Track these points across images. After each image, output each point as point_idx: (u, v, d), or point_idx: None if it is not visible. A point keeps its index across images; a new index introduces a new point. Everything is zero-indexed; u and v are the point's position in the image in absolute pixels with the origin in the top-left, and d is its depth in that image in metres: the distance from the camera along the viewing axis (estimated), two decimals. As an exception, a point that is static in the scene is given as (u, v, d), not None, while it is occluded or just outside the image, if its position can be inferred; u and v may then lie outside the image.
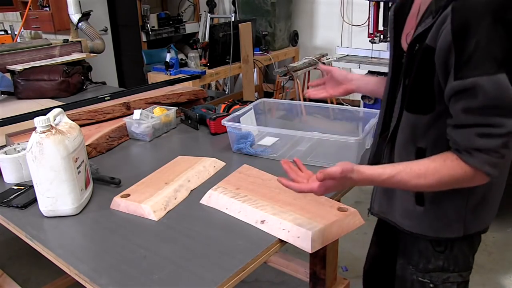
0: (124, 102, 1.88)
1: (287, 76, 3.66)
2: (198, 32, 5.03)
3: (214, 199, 1.21)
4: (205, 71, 3.51)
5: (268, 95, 4.59)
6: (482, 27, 0.79)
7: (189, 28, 5.03)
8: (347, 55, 3.61)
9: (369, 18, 3.17)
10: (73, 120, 1.27)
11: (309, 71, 4.25)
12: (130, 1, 4.53)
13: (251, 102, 1.79)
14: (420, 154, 0.98)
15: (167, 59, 3.42)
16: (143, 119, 1.73)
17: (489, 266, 2.22)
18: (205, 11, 5.01)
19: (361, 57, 3.44)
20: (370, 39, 3.17)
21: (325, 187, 0.92)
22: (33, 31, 3.48)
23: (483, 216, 1.03)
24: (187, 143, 1.74)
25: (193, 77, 3.07)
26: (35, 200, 1.21)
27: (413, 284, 1.11)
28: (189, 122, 1.87)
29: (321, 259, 1.71)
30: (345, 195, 1.31)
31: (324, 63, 3.85)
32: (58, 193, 1.16)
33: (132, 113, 1.77)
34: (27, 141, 1.14)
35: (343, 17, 4.56)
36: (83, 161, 1.23)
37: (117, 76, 4.83)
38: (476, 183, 0.89)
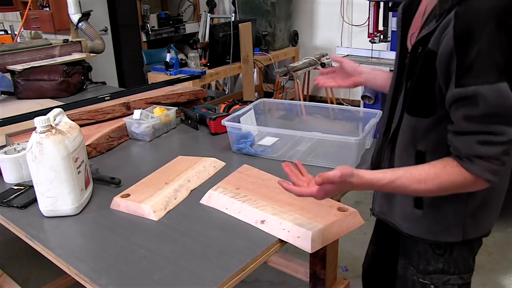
0: (124, 102, 1.88)
1: (287, 76, 3.66)
2: (198, 32, 5.03)
3: (214, 199, 1.21)
4: (205, 71, 3.51)
5: (268, 95, 4.59)
6: (485, 34, 0.78)
7: (189, 28, 5.03)
8: (347, 55, 3.61)
9: (369, 18, 3.16)
10: (73, 120, 1.27)
11: (309, 71, 4.25)
12: (130, 1, 4.53)
13: (251, 102, 1.79)
14: (420, 157, 0.98)
15: (167, 59, 3.42)
16: (143, 119, 1.73)
17: (489, 266, 2.22)
18: (205, 11, 5.01)
19: (361, 57, 3.44)
20: (370, 39, 3.16)
21: (325, 191, 0.91)
22: (33, 31, 3.48)
23: (483, 222, 1.03)
24: (187, 143, 1.74)
25: (193, 77, 3.07)
26: (35, 200, 1.21)
27: (414, 285, 1.11)
28: (189, 122, 1.87)
29: (321, 259, 1.71)
30: (345, 195, 1.31)
31: (324, 63, 3.86)
32: (58, 193, 1.16)
33: (132, 113, 1.77)
34: (27, 141, 1.14)
35: (343, 17, 4.56)
36: (83, 161, 1.23)
37: (117, 76, 4.83)
38: (475, 189, 0.89)
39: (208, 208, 1.21)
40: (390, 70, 1.07)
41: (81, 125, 1.41)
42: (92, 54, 2.96)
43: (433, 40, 0.86)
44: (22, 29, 3.39)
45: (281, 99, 3.74)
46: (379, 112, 1.51)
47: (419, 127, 0.96)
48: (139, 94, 2.05)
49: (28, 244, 1.14)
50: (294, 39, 4.82)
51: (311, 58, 3.99)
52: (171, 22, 4.81)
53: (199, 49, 3.86)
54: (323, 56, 4.16)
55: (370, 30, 3.17)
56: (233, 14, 4.71)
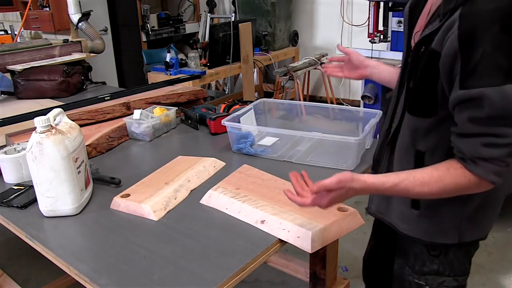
0: (124, 102, 1.88)
1: (287, 76, 3.66)
2: (198, 32, 5.03)
3: (214, 199, 1.21)
4: (205, 71, 3.51)
5: (268, 95, 4.59)
6: (490, 36, 0.78)
7: (189, 28, 5.03)
8: (347, 55, 3.61)
9: (369, 18, 3.16)
10: (73, 120, 1.27)
11: (309, 71, 4.25)
12: (130, 1, 4.53)
13: (251, 102, 1.79)
14: (419, 157, 0.98)
15: (167, 59, 3.42)
16: (143, 119, 1.73)
17: (489, 266, 2.22)
18: (205, 11, 5.01)
19: (361, 57, 3.44)
20: (370, 39, 3.16)
21: (328, 200, 0.92)
22: (33, 31, 3.48)
23: (480, 225, 1.03)
24: (187, 143, 1.74)
25: (193, 77, 3.07)
26: (35, 200, 1.21)
27: (410, 285, 1.12)
28: (189, 122, 1.87)
29: (321, 259, 1.71)
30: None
31: (324, 63, 3.85)
32: (58, 193, 1.16)
33: (132, 113, 1.77)
34: (27, 141, 1.14)
35: (343, 17, 4.56)
36: (83, 161, 1.23)
37: (117, 76, 4.83)
38: (479, 190, 0.89)
39: (208, 208, 1.21)
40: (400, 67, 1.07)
41: (81, 125, 1.41)
42: (92, 54, 2.97)
43: (436, 40, 0.86)
44: (22, 29, 3.39)
45: (281, 99, 3.74)
46: (379, 112, 1.51)
47: (419, 127, 0.96)
48: (139, 94, 2.05)
49: (28, 244, 1.14)
50: (294, 39, 4.82)
51: (311, 58, 3.99)
52: (171, 22, 4.81)
53: (199, 49, 3.86)
54: (323, 56, 4.17)
55: (370, 30, 3.17)
56: (233, 14, 4.70)
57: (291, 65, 3.81)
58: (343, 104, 4.55)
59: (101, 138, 1.62)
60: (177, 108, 1.89)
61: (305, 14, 4.89)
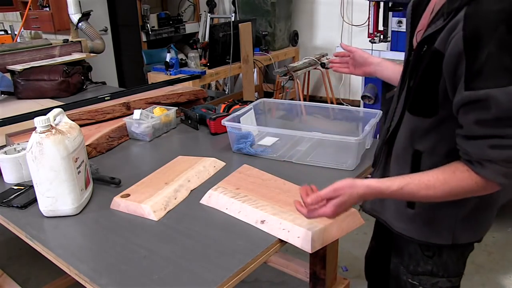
0: (124, 102, 1.88)
1: (287, 76, 3.65)
2: (198, 32, 5.03)
3: (214, 199, 1.21)
4: (205, 71, 3.51)
5: (268, 95, 4.58)
6: (496, 37, 0.78)
7: (189, 28, 5.03)
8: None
9: (369, 18, 3.16)
10: (73, 120, 1.27)
11: (309, 71, 4.25)
12: (130, 1, 4.52)
13: (251, 102, 1.79)
14: (417, 157, 0.98)
15: (167, 59, 3.42)
16: (143, 119, 1.73)
17: (489, 266, 2.22)
18: (205, 11, 5.01)
19: (361, 57, 3.44)
20: (370, 39, 3.16)
21: (331, 209, 0.91)
22: (33, 31, 3.48)
23: (474, 228, 1.04)
24: (187, 143, 1.74)
25: (193, 77, 3.07)
26: (35, 200, 1.21)
27: (406, 285, 1.12)
28: (189, 122, 1.87)
29: (321, 259, 1.71)
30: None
31: (324, 63, 3.86)
32: (58, 193, 1.16)
33: (132, 113, 1.77)
34: (27, 141, 1.14)
35: (343, 17, 4.56)
36: (83, 161, 1.23)
37: (117, 76, 4.83)
38: (486, 192, 0.88)
39: (208, 208, 1.21)
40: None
41: (81, 125, 1.41)
42: (92, 54, 2.96)
43: (440, 39, 0.85)
44: (22, 29, 3.39)
45: (281, 99, 3.74)
46: (379, 112, 1.51)
47: (419, 127, 0.96)
48: (139, 94, 2.05)
49: (28, 244, 1.14)
50: (294, 39, 4.81)
51: (311, 58, 3.99)
52: (171, 22, 4.81)
53: (199, 49, 3.86)
54: (323, 56, 4.17)
55: (370, 30, 3.17)
56: (233, 14, 4.70)
57: (291, 65, 3.81)
58: (343, 104, 4.55)
59: (101, 138, 1.62)
60: (177, 108, 1.89)
61: (305, 14, 4.89)
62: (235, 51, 3.57)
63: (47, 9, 4.36)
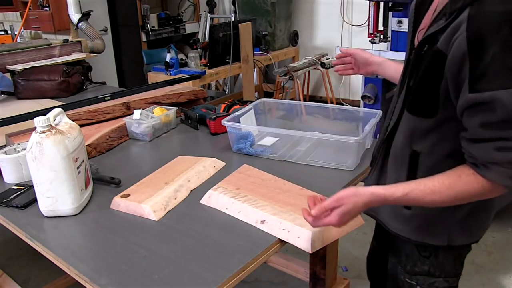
0: (124, 102, 1.88)
1: (287, 76, 3.66)
2: (198, 32, 5.03)
3: (214, 199, 1.21)
4: (205, 71, 3.51)
5: (268, 95, 4.59)
6: (499, 38, 0.77)
7: (189, 28, 5.03)
8: (347, 55, 3.61)
9: (369, 18, 3.16)
10: (73, 120, 1.27)
11: (309, 71, 4.25)
12: (130, 1, 4.52)
13: (251, 102, 1.79)
14: (414, 157, 0.98)
15: (167, 59, 3.42)
16: (143, 119, 1.73)
17: (489, 266, 2.22)
18: (205, 11, 5.01)
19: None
20: (370, 39, 3.17)
21: (336, 218, 0.92)
22: (33, 31, 3.48)
23: (470, 230, 1.04)
24: (187, 143, 1.74)
25: (193, 77, 3.07)
26: (35, 200, 1.21)
27: (403, 285, 1.12)
28: (189, 122, 1.87)
29: (321, 259, 1.71)
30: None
31: (324, 63, 3.86)
32: (58, 193, 1.16)
33: (132, 113, 1.77)
34: (27, 141, 1.14)
35: (343, 17, 4.56)
36: (83, 161, 1.23)
37: (117, 76, 4.83)
38: (493, 195, 0.88)
39: (208, 208, 1.21)
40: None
41: (81, 125, 1.41)
42: (92, 54, 2.96)
43: (442, 40, 0.85)
44: (22, 29, 3.39)
45: (281, 99, 3.74)
46: (379, 112, 1.51)
47: (418, 127, 0.96)
48: (139, 94, 2.05)
49: (28, 244, 1.14)
50: (294, 39, 4.82)
51: (311, 58, 3.99)
52: (171, 22, 4.81)
53: (199, 49, 3.86)
54: (323, 56, 4.17)
55: (370, 30, 3.17)
56: (233, 14, 4.70)
57: (291, 65, 3.81)
58: (343, 104, 4.55)
59: (101, 138, 1.62)
60: (177, 108, 1.89)
61: (305, 14, 4.89)
62: (235, 51, 3.57)
63: (47, 9, 4.36)
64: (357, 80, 4.40)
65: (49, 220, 1.18)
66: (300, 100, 3.92)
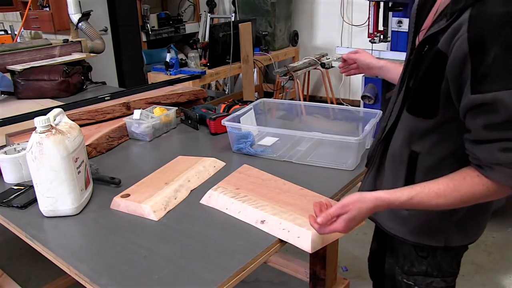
0: (124, 102, 1.88)
1: (287, 76, 3.66)
2: (198, 32, 5.03)
3: (214, 199, 1.21)
4: (205, 71, 3.51)
5: (268, 95, 4.59)
6: (501, 39, 0.77)
7: (189, 28, 5.03)
8: (347, 55, 3.61)
9: (369, 18, 3.16)
10: (73, 120, 1.27)
11: (309, 71, 4.25)
12: (130, 1, 4.53)
13: (251, 102, 1.79)
14: (413, 157, 0.98)
15: (167, 59, 3.42)
16: (143, 119, 1.73)
17: (489, 266, 2.22)
18: (205, 11, 5.01)
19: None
20: (370, 39, 3.16)
21: (342, 225, 0.92)
22: (33, 31, 3.48)
23: (468, 231, 1.04)
24: (187, 143, 1.74)
25: (193, 77, 3.07)
26: (35, 200, 1.21)
27: (401, 285, 1.12)
28: (189, 122, 1.87)
29: (321, 259, 1.71)
30: (345, 195, 1.31)
31: (324, 63, 3.85)
32: (58, 193, 1.16)
33: (132, 113, 1.77)
34: (27, 141, 1.14)
35: (343, 17, 4.56)
36: (83, 161, 1.23)
37: (117, 76, 4.83)
38: (498, 197, 0.87)
39: (208, 208, 1.21)
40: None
41: (81, 125, 1.41)
42: (92, 54, 2.96)
43: (443, 41, 0.85)
44: (22, 29, 3.39)
45: (281, 99, 3.74)
46: (379, 112, 1.51)
47: (418, 127, 0.96)
48: (139, 94, 2.05)
49: (28, 244, 1.14)
50: (294, 39, 4.82)
51: (311, 58, 3.99)
52: (171, 22, 4.81)
53: (199, 49, 3.86)
54: (323, 56, 4.16)
55: (370, 30, 3.17)
56: (233, 14, 4.70)
57: (291, 65, 3.81)
58: (343, 104, 4.55)
59: (101, 138, 1.62)
60: (177, 108, 1.89)
61: (305, 14, 4.89)
62: (235, 51, 3.57)
63: (47, 9, 4.36)
64: (357, 80, 4.40)
65: (49, 220, 1.18)
66: (300, 100, 3.92)
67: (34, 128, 1.13)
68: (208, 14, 4.95)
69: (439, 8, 0.93)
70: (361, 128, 1.59)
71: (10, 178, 1.40)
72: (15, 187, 1.35)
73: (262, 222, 1.09)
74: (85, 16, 3.29)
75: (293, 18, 4.84)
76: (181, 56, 3.85)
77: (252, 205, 1.15)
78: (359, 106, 3.41)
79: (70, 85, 2.40)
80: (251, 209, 1.13)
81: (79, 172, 1.20)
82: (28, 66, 2.51)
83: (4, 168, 1.40)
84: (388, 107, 1.10)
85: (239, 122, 1.57)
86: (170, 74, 3.40)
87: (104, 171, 1.42)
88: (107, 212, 1.21)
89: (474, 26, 0.79)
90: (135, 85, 2.63)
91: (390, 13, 3.05)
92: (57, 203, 1.17)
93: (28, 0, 3.59)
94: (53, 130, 1.14)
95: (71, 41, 2.96)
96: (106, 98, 1.98)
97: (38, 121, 1.11)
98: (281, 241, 1.05)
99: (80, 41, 2.98)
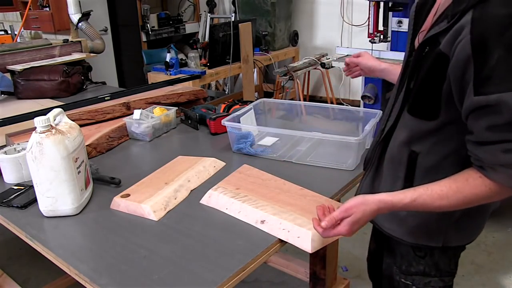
0: (124, 102, 1.88)
1: (287, 76, 3.65)
2: (198, 32, 5.03)
3: (214, 199, 1.21)
4: (205, 71, 3.51)
5: (268, 95, 4.59)
6: (504, 41, 0.77)
7: (189, 28, 5.03)
8: (347, 55, 3.61)
9: (369, 18, 3.16)
10: (73, 120, 1.27)
11: (309, 71, 4.25)
12: (130, 1, 4.53)
13: (251, 102, 1.79)
14: (412, 157, 0.98)
15: (167, 59, 3.43)
16: (143, 119, 1.73)
17: (489, 266, 2.22)
18: (205, 11, 5.01)
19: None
20: (370, 39, 3.17)
21: (346, 228, 0.92)
22: (33, 31, 3.48)
23: (466, 231, 1.04)
24: (187, 143, 1.74)
25: (193, 77, 3.07)
26: (35, 200, 1.21)
27: (399, 284, 1.12)
28: (189, 122, 1.87)
29: (321, 259, 1.71)
30: (345, 195, 1.31)
31: (324, 63, 3.85)
32: (58, 193, 1.16)
33: (132, 113, 1.77)
34: (27, 141, 1.14)
35: (343, 17, 4.56)
36: (83, 161, 1.23)
37: (117, 76, 4.83)
38: (501, 198, 0.87)
39: (208, 208, 1.21)
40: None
41: (81, 125, 1.41)
42: (92, 54, 2.97)
43: (445, 42, 0.84)
44: (22, 29, 3.39)
45: (281, 99, 3.74)
46: (379, 112, 1.51)
47: (419, 128, 0.96)
48: (139, 94, 2.05)
49: (28, 244, 1.14)
50: (294, 39, 4.82)
51: (311, 58, 3.99)
52: (171, 22, 4.81)
53: (199, 49, 3.86)
54: (323, 56, 4.16)
55: (370, 30, 3.17)
56: (233, 14, 4.70)
57: (291, 65, 3.81)
58: (343, 104, 4.55)
59: (101, 138, 1.62)
60: (177, 108, 1.89)
61: (305, 14, 4.89)
62: (235, 51, 3.57)
63: (47, 9, 4.36)
64: (357, 80, 4.40)
65: (49, 220, 1.18)
66: (300, 100, 3.92)
67: (34, 128, 1.13)
68: (208, 14, 4.95)
69: (439, 9, 0.93)
70: (361, 128, 1.59)
71: (10, 178, 1.40)
72: (15, 187, 1.35)
73: (262, 222, 1.09)
74: (85, 16, 3.29)
75: (293, 18, 4.84)
76: (181, 56, 3.85)
77: (252, 205, 1.15)
78: (359, 106, 3.41)
79: (70, 85, 2.40)
80: (251, 209, 1.13)
81: (79, 172, 1.20)
82: (28, 66, 2.51)
83: (4, 168, 1.40)
84: (386, 108, 1.10)
85: (239, 122, 1.57)
86: (170, 74, 3.40)
87: (104, 171, 1.42)
88: (107, 212, 1.21)
89: (477, 28, 0.79)
90: (135, 85, 2.63)
91: (390, 13, 3.05)
92: (57, 203, 1.17)
93: (28, 0, 3.59)
94: (53, 130, 1.14)
95: (71, 41, 2.96)
96: (106, 98, 1.98)
97: (38, 121, 1.11)
98: (281, 241, 1.05)
99: (80, 41, 2.98)
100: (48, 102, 2.25)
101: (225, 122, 1.54)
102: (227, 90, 4.90)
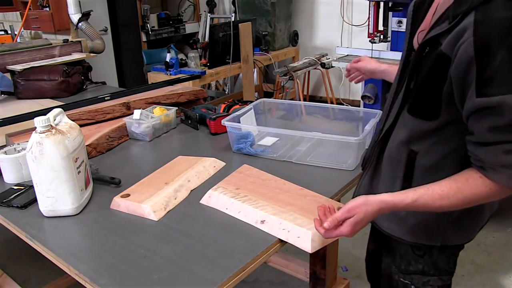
0: (124, 102, 1.88)
1: (287, 76, 3.65)
2: (198, 32, 5.04)
3: (214, 199, 1.21)
4: (205, 71, 3.51)
5: (268, 95, 4.59)
6: (507, 43, 0.77)
7: (189, 28, 5.03)
8: (347, 55, 3.61)
9: (369, 18, 3.16)
10: (73, 120, 1.27)
11: (309, 71, 4.25)
12: (130, 1, 4.53)
13: (251, 102, 1.79)
14: (411, 156, 0.98)
15: (167, 59, 3.42)
16: (143, 119, 1.73)
17: (489, 266, 2.22)
18: (205, 11, 5.01)
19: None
20: (370, 39, 3.16)
21: (348, 229, 0.92)
22: (33, 31, 3.48)
23: (465, 230, 1.04)
24: (187, 143, 1.74)
25: (193, 77, 3.07)
26: (35, 200, 1.21)
27: (398, 284, 1.12)
28: (189, 122, 1.87)
29: (321, 259, 1.71)
30: (345, 195, 1.31)
31: (324, 63, 3.85)
32: (58, 193, 1.16)
33: (132, 113, 1.77)
34: (27, 141, 1.14)
35: (343, 17, 4.56)
36: (83, 161, 1.23)
37: (117, 76, 4.83)
38: (500, 197, 0.88)
39: (208, 208, 1.21)
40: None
41: (81, 125, 1.41)
42: (92, 54, 2.97)
43: (446, 43, 0.84)
44: (22, 29, 3.39)
45: (281, 99, 3.74)
46: (379, 112, 1.51)
47: (418, 128, 0.96)
48: (139, 94, 2.05)
49: (28, 244, 1.14)
50: (294, 39, 4.82)
51: (311, 58, 3.99)
52: (171, 22, 4.82)
53: (199, 49, 3.86)
54: (323, 56, 4.16)
55: (370, 30, 3.17)
56: (233, 14, 4.71)
57: (291, 65, 3.81)
58: (343, 104, 4.55)
59: (101, 138, 1.62)
60: (177, 108, 1.89)
61: (305, 14, 4.89)
62: (235, 51, 3.57)
63: (47, 9, 4.36)
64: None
65: (49, 220, 1.18)
66: (300, 100, 3.92)
67: (34, 128, 1.13)
68: (208, 14, 4.95)
69: (438, 8, 0.93)
70: (361, 128, 1.59)
71: (10, 178, 1.40)
72: (15, 187, 1.35)
73: (262, 222, 1.09)
74: (85, 16, 3.29)
75: (293, 18, 4.84)
76: (181, 56, 3.85)
77: (252, 205, 1.15)
78: (359, 106, 3.41)
79: (70, 85, 2.40)
80: (251, 209, 1.13)
81: (79, 172, 1.20)
82: (28, 66, 2.51)
83: (4, 168, 1.40)
84: (384, 108, 1.10)
85: (239, 122, 1.57)
86: (170, 74, 3.40)
87: (104, 171, 1.42)
88: (107, 212, 1.21)
89: (479, 30, 0.79)
90: (135, 85, 2.63)
91: (390, 13, 3.05)
92: (57, 203, 1.17)
93: (28, 0, 3.59)
94: (53, 130, 1.14)
95: (71, 41, 2.96)
96: (106, 98, 1.98)
97: (38, 121, 1.11)
98: (281, 241, 1.05)
99: (80, 41, 2.98)
100: (48, 102, 2.25)
101: (225, 122, 1.54)
102: (227, 90, 4.90)
